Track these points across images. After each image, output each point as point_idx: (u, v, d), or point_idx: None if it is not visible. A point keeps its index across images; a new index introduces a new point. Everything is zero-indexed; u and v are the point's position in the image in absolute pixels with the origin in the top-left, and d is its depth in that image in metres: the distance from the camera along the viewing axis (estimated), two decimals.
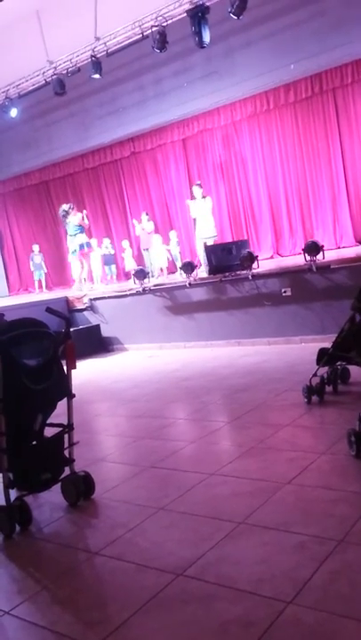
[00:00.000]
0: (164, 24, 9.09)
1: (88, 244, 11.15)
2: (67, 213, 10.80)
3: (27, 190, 14.63)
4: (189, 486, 3.41)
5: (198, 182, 10.75)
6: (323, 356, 4.81)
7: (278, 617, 2.11)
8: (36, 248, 13.52)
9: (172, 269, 11.51)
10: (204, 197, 10.29)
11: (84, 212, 11.22)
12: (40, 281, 13.50)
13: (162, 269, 10.87)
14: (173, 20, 9.07)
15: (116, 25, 9.48)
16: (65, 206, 11.00)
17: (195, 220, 10.47)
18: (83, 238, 10.91)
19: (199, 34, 8.75)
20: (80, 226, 10.80)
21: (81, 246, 10.84)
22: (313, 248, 7.59)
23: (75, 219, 10.78)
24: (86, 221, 11.06)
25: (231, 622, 2.13)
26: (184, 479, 3.55)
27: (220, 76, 10.01)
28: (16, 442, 3.24)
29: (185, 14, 8.84)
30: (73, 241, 10.86)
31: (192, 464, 3.83)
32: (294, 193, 10.61)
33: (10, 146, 13.24)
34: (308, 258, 7.59)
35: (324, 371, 4.83)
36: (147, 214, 11.88)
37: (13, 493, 3.25)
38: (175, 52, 9.74)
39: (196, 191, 10.31)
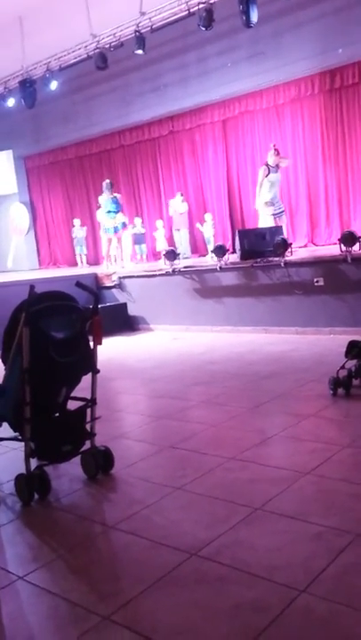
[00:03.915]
0: (212, 1, 8.92)
1: (124, 225, 11.07)
2: (111, 185, 10.74)
3: (61, 164, 14.61)
4: (208, 469, 3.41)
5: (274, 145, 9.93)
6: (352, 349, 4.75)
7: (290, 604, 2.10)
8: (77, 222, 13.40)
9: (202, 252, 11.43)
10: (278, 165, 9.62)
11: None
12: (81, 255, 13.36)
13: None
14: None
15: (163, 1, 9.34)
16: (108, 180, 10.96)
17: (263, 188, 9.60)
18: (121, 218, 10.79)
19: (247, 13, 8.57)
20: (120, 204, 10.65)
21: (123, 225, 10.78)
22: (349, 238, 7.44)
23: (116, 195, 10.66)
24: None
25: (243, 606, 2.13)
26: (203, 461, 3.55)
27: (266, 57, 9.80)
28: (39, 412, 3.27)
29: None
30: (115, 218, 10.70)
31: (212, 447, 3.82)
32: (333, 181, 10.37)
33: (48, 119, 13.26)
34: (343, 248, 7.45)
35: (352, 364, 4.74)
36: (181, 195, 11.79)
37: (34, 462, 3.29)
38: (221, 31, 9.55)
39: (271, 157, 9.64)
